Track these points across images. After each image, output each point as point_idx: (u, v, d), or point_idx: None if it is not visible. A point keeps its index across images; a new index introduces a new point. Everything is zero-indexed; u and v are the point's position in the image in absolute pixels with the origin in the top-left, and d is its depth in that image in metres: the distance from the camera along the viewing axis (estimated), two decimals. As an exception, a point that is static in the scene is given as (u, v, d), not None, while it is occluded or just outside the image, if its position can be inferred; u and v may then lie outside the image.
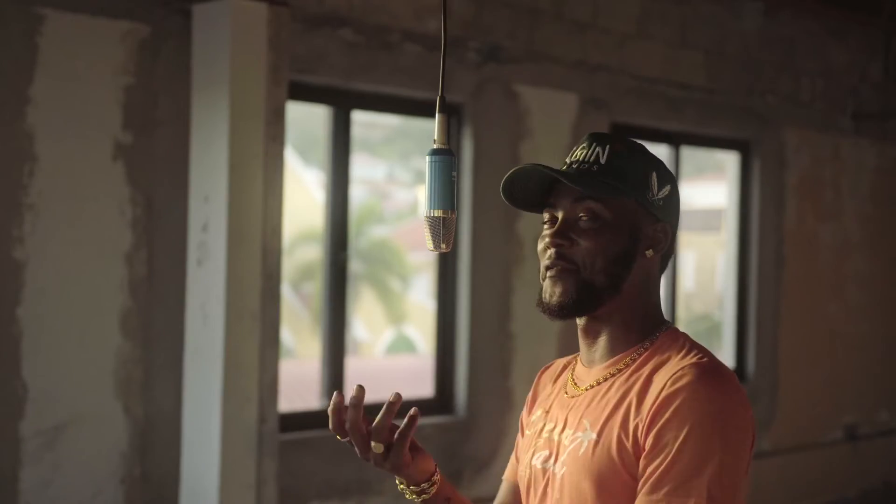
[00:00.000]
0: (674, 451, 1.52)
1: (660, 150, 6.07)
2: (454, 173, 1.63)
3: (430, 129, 1.69)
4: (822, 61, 6.63)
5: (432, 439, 4.67)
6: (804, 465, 6.63)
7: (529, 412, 1.85)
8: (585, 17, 5.30)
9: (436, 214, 1.61)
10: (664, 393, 1.56)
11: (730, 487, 1.52)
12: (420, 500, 1.72)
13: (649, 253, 1.67)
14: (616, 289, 1.65)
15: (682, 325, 7.57)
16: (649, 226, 1.67)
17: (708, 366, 1.59)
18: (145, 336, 3.88)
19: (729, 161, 6.48)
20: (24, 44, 3.61)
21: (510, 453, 1.90)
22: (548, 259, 1.67)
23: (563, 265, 1.65)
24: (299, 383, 10.22)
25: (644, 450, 1.55)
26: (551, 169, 1.65)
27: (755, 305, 6.35)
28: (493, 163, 4.93)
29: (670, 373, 1.58)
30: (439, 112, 1.65)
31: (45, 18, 3.64)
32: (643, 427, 1.56)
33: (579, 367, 1.75)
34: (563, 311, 1.65)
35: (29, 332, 3.63)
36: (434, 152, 1.62)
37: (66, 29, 3.69)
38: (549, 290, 1.66)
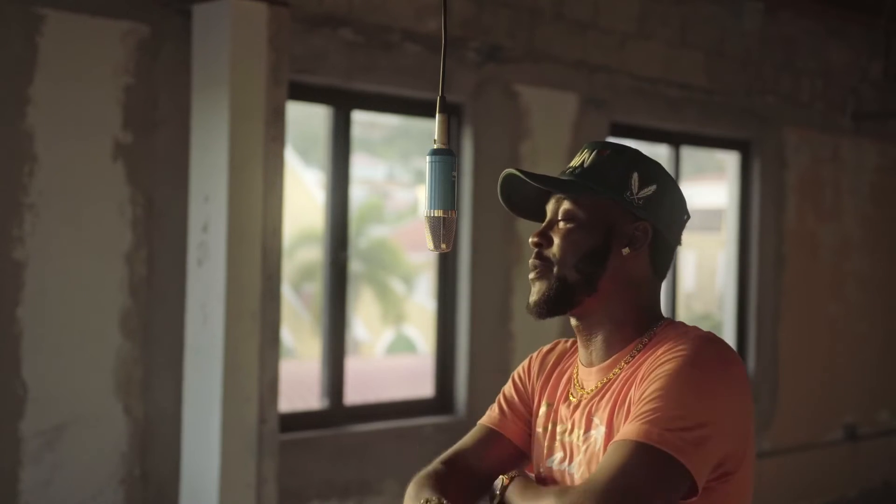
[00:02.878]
0: (648, 394, 1.56)
1: (660, 150, 6.07)
2: (454, 173, 1.64)
3: (430, 129, 1.69)
4: (822, 61, 6.63)
5: (432, 439, 4.67)
6: (804, 465, 6.63)
7: (537, 397, 1.84)
8: (585, 17, 5.30)
9: (436, 214, 1.62)
10: (659, 360, 1.61)
11: (693, 441, 1.52)
12: None
13: (626, 251, 1.68)
14: (591, 286, 1.68)
15: (682, 325, 7.58)
16: (628, 224, 1.68)
17: (706, 335, 1.64)
18: (145, 336, 3.88)
19: (729, 161, 6.48)
20: (24, 44, 3.61)
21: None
22: (531, 260, 1.73)
23: (541, 264, 1.70)
24: (299, 383, 10.23)
25: None
26: (523, 172, 1.70)
27: (755, 305, 6.35)
28: (493, 163, 4.92)
29: (669, 347, 1.62)
30: (439, 112, 1.66)
31: (45, 18, 3.64)
32: (637, 394, 1.60)
33: (581, 369, 1.77)
34: (541, 308, 1.70)
35: (29, 332, 3.63)
36: (434, 152, 1.63)
37: (66, 29, 3.69)
38: (532, 290, 1.72)
